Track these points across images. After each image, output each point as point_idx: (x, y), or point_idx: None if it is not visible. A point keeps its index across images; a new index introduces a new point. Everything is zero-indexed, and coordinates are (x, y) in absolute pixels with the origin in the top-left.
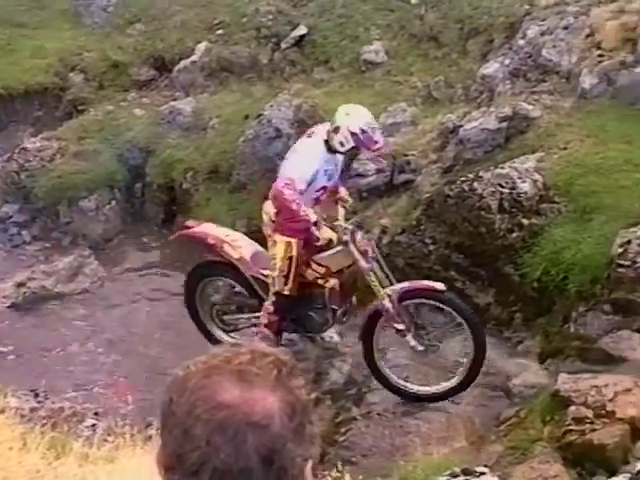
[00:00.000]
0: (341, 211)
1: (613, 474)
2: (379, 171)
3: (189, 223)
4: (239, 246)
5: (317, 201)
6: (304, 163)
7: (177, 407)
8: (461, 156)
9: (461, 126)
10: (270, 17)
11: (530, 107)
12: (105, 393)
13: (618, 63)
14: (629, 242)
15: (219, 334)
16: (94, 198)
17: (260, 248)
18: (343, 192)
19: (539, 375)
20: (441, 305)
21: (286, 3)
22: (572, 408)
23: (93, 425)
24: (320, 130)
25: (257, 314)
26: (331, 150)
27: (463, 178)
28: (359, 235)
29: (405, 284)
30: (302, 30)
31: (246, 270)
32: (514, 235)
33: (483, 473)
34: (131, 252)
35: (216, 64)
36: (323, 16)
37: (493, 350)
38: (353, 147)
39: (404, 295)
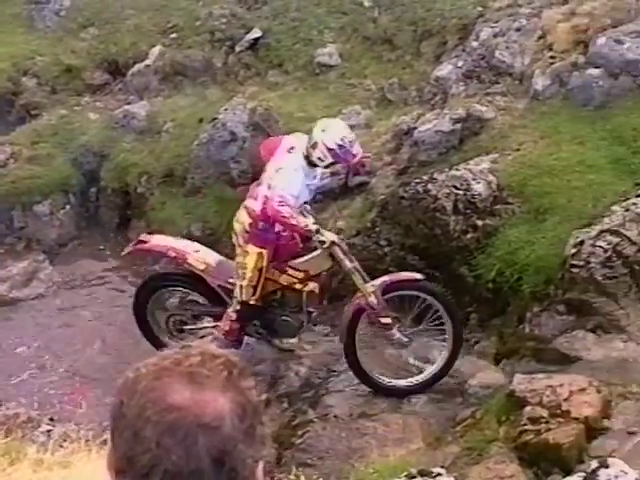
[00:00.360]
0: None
1: (568, 473)
2: (333, 174)
3: (143, 237)
4: (202, 257)
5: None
6: (291, 179)
7: (127, 409)
8: (415, 158)
9: (415, 128)
10: (224, 20)
11: (484, 109)
12: (60, 399)
13: (570, 64)
14: (582, 243)
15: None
16: (48, 203)
17: (221, 257)
18: None
19: (495, 376)
20: (421, 294)
21: (240, 6)
22: (527, 408)
23: (48, 431)
24: (299, 144)
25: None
26: (311, 164)
27: (417, 180)
28: (340, 236)
29: (386, 278)
30: (256, 33)
31: (213, 280)
32: (468, 236)
33: (439, 474)
34: (86, 257)
35: (170, 68)
36: (277, 19)
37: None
38: (332, 163)
39: (387, 289)
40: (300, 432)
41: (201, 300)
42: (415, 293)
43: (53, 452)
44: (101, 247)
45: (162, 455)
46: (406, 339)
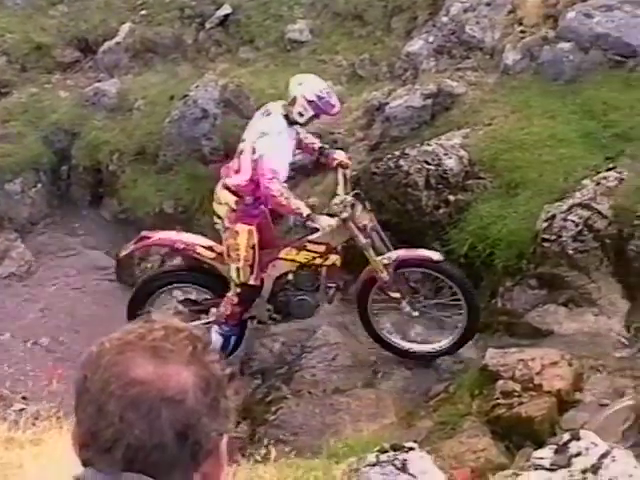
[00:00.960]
0: (341, 179)
1: (540, 446)
2: (305, 149)
3: (145, 233)
4: (208, 246)
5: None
6: (277, 143)
7: (91, 384)
8: (387, 133)
9: (387, 104)
10: None
11: (455, 84)
12: (34, 377)
13: (540, 39)
14: (554, 217)
15: None
16: (19, 181)
17: (221, 245)
18: (342, 156)
19: (467, 350)
20: (437, 274)
21: None
22: (500, 382)
23: (21, 409)
24: (274, 107)
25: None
26: (291, 123)
27: (389, 155)
28: (359, 209)
29: (401, 252)
30: (226, 9)
31: (223, 268)
32: (441, 211)
33: (412, 448)
34: (58, 235)
35: (140, 45)
36: None
37: (420, 326)
38: (312, 115)
39: (400, 264)
40: (274, 408)
41: (200, 297)
42: (430, 272)
43: (25, 430)
44: (74, 225)
45: (125, 429)
46: (416, 313)
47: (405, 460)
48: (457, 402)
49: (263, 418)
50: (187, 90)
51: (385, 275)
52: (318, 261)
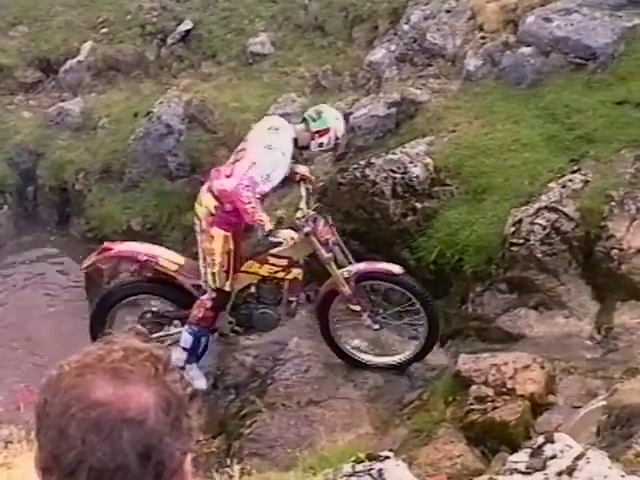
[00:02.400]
0: (304, 194)
1: (515, 450)
2: None
3: (107, 245)
4: (172, 258)
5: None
6: (278, 163)
7: (51, 408)
8: (352, 143)
9: (351, 113)
10: (154, 13)
11: (418, 91)
12: (4, 400)
13: (501, 44)
14: (520, 221)
15: None
16: None
17: (184, 257)
18: (304, 170)
19: (440, 357)
20: (396, 287)
21: None
22: (473, 387)
23: None
24: (283, 125)
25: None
26: (297, 147)
27: (355, 165)
28: (321, 223)
29: (362, 266)
30: (187, 25)
31: (186, 280)
32: (408, 219)
33: (387, 457)
34: (26, 256)
35: (102, 63)
36: (207, 10)
37: (392, 334)
38: (326, 150)
39: (361, 277)
40: (248, 422)
41: (162, 307)
42: (390, 286)
43: None
44: (41, 245)
45: (87, 452)
46: (376, 325)
47: (381, 469)
48: (431, 409)
49: (238, 432)
50: (151, 107)
51: (347, 289)
52: (280, 275)
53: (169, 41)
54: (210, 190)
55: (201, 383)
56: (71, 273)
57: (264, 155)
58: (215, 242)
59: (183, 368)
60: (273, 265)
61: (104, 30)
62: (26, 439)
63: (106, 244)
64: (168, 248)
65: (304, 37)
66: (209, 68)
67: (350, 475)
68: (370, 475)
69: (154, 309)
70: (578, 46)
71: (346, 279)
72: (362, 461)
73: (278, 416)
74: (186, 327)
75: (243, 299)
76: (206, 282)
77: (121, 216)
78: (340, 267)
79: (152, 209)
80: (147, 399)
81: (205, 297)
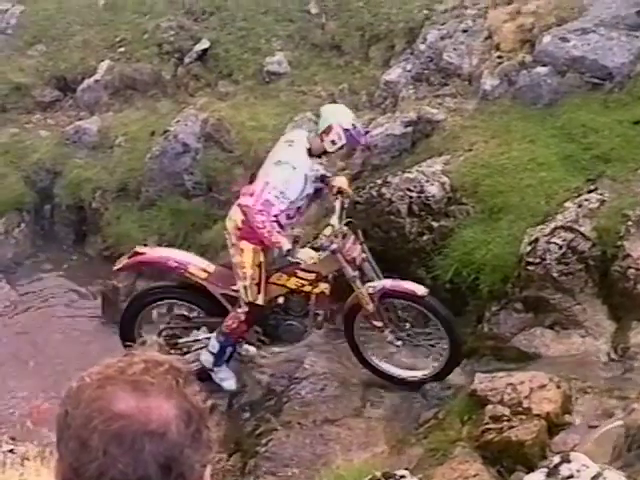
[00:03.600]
0: (338, 208)
1: (532, 470)
2: None
3: (138, 249)
4: (202, 265)
5: (299, 210)
6: (289, 178)
7: (72, 420)
8: (369, 162)
9: (367, 132)
10: (172, 32)
11: (434, 111)
12: (22, 418)
13: (517, 64)
14: (537, 240)
15: None
16: (2, 222)
17: (217, 265)
18: (342, 182)
19: (456, 376)
20: (420, 308)
21: (187, 18)
22: (489, 407)
23: (11, 450)
24: (298, 137)
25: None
26: (312, 155)
27: (371, 184)
28: (350, 240)
29: (387, 283)
30: (204, 44)
31: (215, 289)
32: (425, 238)
33: (403, 476)
34: (43, 274)
35: (119, 82)
36: (224, 29)
37: (409, 353)
38: (344, 144)
39: (385, 295)
40: (264, 440)
41: (191, 313)
42: (415, 306)
43: (16, 470)
44: (58, 263)
45: (109, 464)
46: (398, 342)
47: None
48: (447, 428)
49: (254, 450)
50: (167, 125)
51: (370, 306)
52: (307, 288)
53: (186, 60)
54: (239, 204)
55: (231, 383)
56: (88, 292)
57: (274, 172)
58: (245, 255)
59: (212, 370)
60: (301, 278)
61: (121, 49)
62: (40, 456)
63: (137, 248)
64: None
65: (321, 56)
66: (226, 87)
67: None
68: None
69: (183, 314)
70: (594, 66)
71: (370, 295)
72: (379, 479)
73: (294, 434)
74: (215, 335)
75: (271, 309)
76: (239, 295)
77: (138, 234)
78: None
79: (168, 227)
80: (168, 411)
81: (240, 310)
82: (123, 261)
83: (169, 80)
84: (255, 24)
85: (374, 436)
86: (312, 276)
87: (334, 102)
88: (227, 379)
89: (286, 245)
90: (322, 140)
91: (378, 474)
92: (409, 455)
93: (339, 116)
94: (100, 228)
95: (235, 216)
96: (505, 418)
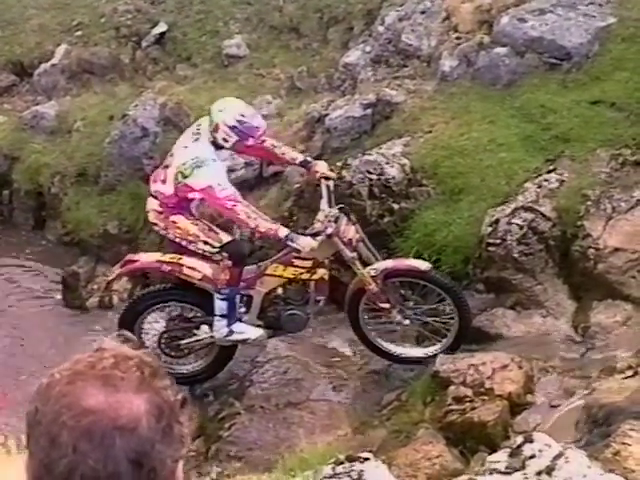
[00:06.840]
0: (325, 192)
1: (494, 450)
2: (248, 164)
3: (130, 257)
4: (196, 267)
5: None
6: (219, 172)
7: (42, 416)
8: (328, 145)
9: (327, 115)
10: (129, 16)
11: (393, 92)
12: None
13: (476, 45)
14: (497, 221)
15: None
16: None
17: (208, 264)
18: (324, 167)
19: None
20: (426, 283)
21: (144, 1)
22: (452, 388)
23: None
24: (204, 130)
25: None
26: (218, 147)
27: (331, 167)
28: (343, 222)
29: (389, 263)
30: (162, 27)
31: (213, 288)
32: (385, 220)
33: (367, 459)
34: (3, 260)
35: (77, 66)
36: (182, 12)
37: (370, 335)
38: (239, 140)
39: (388, 275)
40: (227, 425)
41: (189, 314)
42: (419, 282)
43: None
44: (18, 249)
45: (79, 460)
46: (406, 321)
47: (361, 471)
48: (410, 410)
49: (217, 435)
50: (126, 109)
51: (373, 287)
52: (305, 276)
53: (144, 44)
54: (151, 194)
55: (256, 332)
56: (47, 277)
57: (204, 174)
58: (181, 223)
59: (231, 333)
60: (298, 267)
61: (78, 33)
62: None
63: (129, 256)
64: (145, 251)
65: (279, 39)
66: (184, 70)
67: (330, 477)
68: (350, 477)
69: (181, 314)
70: (553, 46)
71: (373, 277)
72: (342, 463)
73: (257, 418)
74: (217, 295)
75: (270, 301)
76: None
77: (97, 219)
78: (366, 264)
79: (128, 212)
80: (138, 406)
81: (222, 263)
82: (116, 270)
83: (127, 64)
84: (213, 7)
85: (337, 419)
86: (309, 263)
87: (293, 85)
88: (249, 330)
89: (282, 231)
90: (214, 138)
91: (342, 457)
92: (372, 437)
93: (223, 113)
94: (60, 213)
95: (151, 205)
96: (468, 399)
